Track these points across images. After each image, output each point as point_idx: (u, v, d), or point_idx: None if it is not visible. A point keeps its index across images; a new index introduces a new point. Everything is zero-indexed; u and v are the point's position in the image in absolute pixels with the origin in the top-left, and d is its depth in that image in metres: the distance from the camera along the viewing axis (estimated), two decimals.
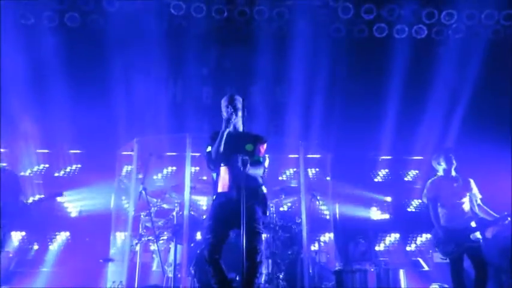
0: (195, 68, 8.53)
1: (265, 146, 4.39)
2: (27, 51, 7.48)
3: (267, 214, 4.44)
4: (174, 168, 8.11)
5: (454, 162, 5.46)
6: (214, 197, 4.32)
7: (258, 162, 4.25)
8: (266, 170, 4.50)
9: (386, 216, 8.50)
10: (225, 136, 4.18)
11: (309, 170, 8.10)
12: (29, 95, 7.57)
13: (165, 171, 8.14)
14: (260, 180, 4.33)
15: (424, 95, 8.20)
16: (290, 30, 8.14)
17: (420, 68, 8.18)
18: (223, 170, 4.25)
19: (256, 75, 8.37)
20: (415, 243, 8.30)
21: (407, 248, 8.22)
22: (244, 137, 4.29)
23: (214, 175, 4.38)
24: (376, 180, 8.82)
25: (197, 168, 7.82)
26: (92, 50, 7.91)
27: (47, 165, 8.36)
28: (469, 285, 5.15)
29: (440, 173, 5.55)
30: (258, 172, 4.26)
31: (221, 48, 8.71)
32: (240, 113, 4.33)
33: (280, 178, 8.38)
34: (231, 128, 4.29)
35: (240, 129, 4.37)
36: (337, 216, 7.20)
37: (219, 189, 4.27)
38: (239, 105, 4.32)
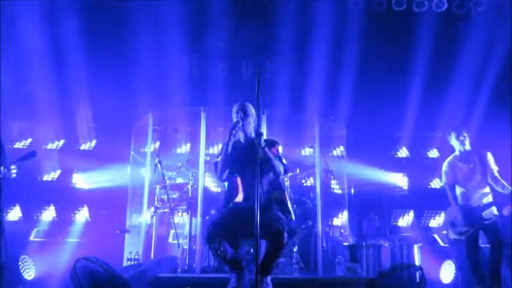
0: (212, 42, 8.45)
1: (279, 148, 4.29)
2: (43, 25, 7.45)
3: (292, 218, 4.24)
4: (189, 143, 8.09)
5: (466, 140, 5.34)
6: (228, 204, 4.16)
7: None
8: (288, 172, 4.37)
9: (402, 192, 8.41)
10: (230, 146, 4.07)
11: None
12: (45, 69, 7.59)
13: (181, 144, 8.13)
14: (280, 183, 4.21)
15: (444, 71, 8.00)
16: (307, 5, 7.97)
17: (440, 43, 7.97)
18: (236, 180, 4.14)
19: (273, 50, 8.26)
20: (431, 219, 8.23)
21: (423, 224, 8.16)
22: (253, 144, 4.01)
23: (226, 184, 4.28)
24: (396, 156, 8.70)
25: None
26: (109, 23, 7.88)
27: (63, 141, 8.41)
28: (484, 263, 5.11)
29: (456, 152, 5.45)
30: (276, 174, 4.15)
31: (238, 23, 8.58)
32: (251, 119, 4.21)
33: (301, 152, 8.25)
34: (241, 137, 4.22)
35: (252, 135, 4.19)
36: (352, 191, 7.16)
37: (232, 199, 4.14)
38: (250, 111, 4.21)
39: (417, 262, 6.16)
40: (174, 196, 6.40)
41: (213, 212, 5.90)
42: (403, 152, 8.77)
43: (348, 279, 5.18)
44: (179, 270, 5.59)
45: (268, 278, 3.93)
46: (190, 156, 7.03)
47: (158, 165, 6.07)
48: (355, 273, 5.73)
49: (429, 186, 8.48)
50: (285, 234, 3.88)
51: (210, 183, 7.02)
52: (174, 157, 7.18)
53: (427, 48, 7.88)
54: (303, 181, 7.51)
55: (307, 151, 7.96)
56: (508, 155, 5.67)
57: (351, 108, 8.00)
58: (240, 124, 4.14)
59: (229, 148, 4.10)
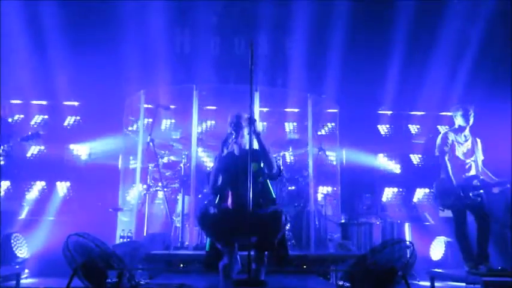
0: (203, 17, 8.35)
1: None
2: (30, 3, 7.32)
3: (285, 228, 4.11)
4: (175, 120, 8.08)
5: (471, 121, 5.38)
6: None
7: (270, 177, 4.15)
8: (282, 172, 4.33)
9: (393, 170, 8.49)
10: (222, 158, 4.06)
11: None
12: (31, 45, 7.48)
13: (172, 122, 8.12)
14: (273, 194, 4.17)
15: (429, 49, 8.05)
16: None
17: (425, 21, 7.98)
18: (227, 192, 4.08)
19: (264, 26, 8.19)
20: (420, 197, 8.34)
21: (413, 202, 8.26)
22: (247, 156, 3.82)
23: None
24: (385, 134, 8.81)
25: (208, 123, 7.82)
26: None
27: (47, 116, 8.34)
28: (473, 240, 5.19)
29: (456, 126, 5.48)
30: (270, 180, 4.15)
31: None
32: (244, 131, 4.15)
33: (287, 130, 8.35)
34: (236, 149, 4.19)
35: (247, 146, 4.06)
36: (344, 168, 7.21)
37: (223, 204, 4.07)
38: (244, 123, 4.17)
39: (408, 239, 6.24)
40: (167, 174, 6.42)
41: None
42: (390, 130, 8.86)
43: (339, 256, 5.24)
44: (172, 247, 5.62)
45: (264, 254, 3.95)
46: (182, 134, 7.00)
47: (150, 143, 6.05)
48: (347, 250, 5.80)
49: (419, 165, 8.57)
50: (283, 216, 3.87)
51: (202, 161, 7.03)
52: (167, 135, 7.16)
53: (413, 27, 7.91)
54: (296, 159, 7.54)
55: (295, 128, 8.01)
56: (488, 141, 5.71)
57: (342, 87, 8.01)
58: (233, 136, 4.13)
59: (221, 160, 4.09)
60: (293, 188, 6.23)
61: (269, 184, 4.15)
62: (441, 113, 8.51)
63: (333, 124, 7.66)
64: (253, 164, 3.86)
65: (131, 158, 6.75)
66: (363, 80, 8.15)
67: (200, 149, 6.56)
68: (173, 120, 8.08)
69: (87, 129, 8.01)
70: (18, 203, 7.29)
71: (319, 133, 7.53)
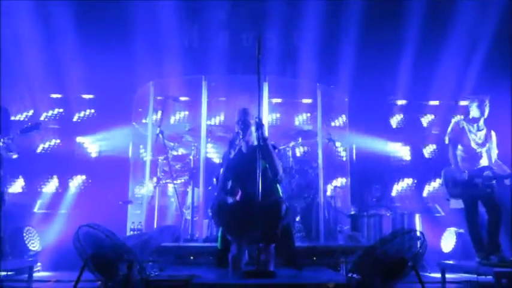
0: (212, 12, 8.35)
1: (276, 151, 4.27)
2: None
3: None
4: (187, 112, 8.11)
5: (486, 112, 5.31)
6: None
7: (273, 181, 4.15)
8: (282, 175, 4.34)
9: (404, 161, 8.44)
10: (232, 160, 4.06)
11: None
12: (42, 38, 7.53)
13: (182, 114, 8.15)
14: (280, 192, 4.20)
15: (442, 38, 7.93)
16: None
17: (439, 10, 7.85)
18: (237, 189, 4.10)
19: (273, 19, 8.15)
20: (431, 189, 8.28)
21: (424, 194, 8.22)
22: (255, 153, 3.88)
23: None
24: (393, 125, 8.73)
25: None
26: None
27: (61, 110, 8.40)
28: (484, 230, 5.15)
29: (470, 116, 5.42)
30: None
31: None
32: (252, 129, 4.17)
33: (296, 123, 8.33)
34: (243, 146, 4.19)
35: (255, 143, 4.10)
36: (354, 159, 7.19)
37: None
38: (251, 120, 4.18)
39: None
40: (177, 167, 6.45)
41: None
42: (402, 121, 8.78)
43: (349, 247, 5.24)
44: (182, 239, 5.67)
45: (272, 246, 3.97)
46: (192, 126, 7.03)
47: (160, 135, 6.08)
48: (357, 242, 5.80)
49: (430, 156, 8.51)
50: (283, 206, 3.89)
51: (212, 153, 7.05)
52: (176, 127, 7.19)
53: (426, 16, 7.79)
54: (305, 150, 7.52)
55: (306, 119, 7.97)
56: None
57: (352, 77, 7.95)
58: (241, 136, 4.11)
59: (232, 160, 4.10)
60: (303, 179, 6.20)
61: (276, 161, 4.15)
62: (457, 102, 8.37)
63: (344, 116, 7.62)
64: (262, 161, 3.90)
65: (142, 150, 6.78)
66: (374, 69, 8.08)
67: (209, 145, 6.56)
68: (187, 113, 8.11)
69: (98, 123, 8.09)
70: (31, 197, 7.37)
71: (332, 124, 7.49)
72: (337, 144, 6.98)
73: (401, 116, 8.78)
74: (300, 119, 8.43)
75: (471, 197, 5.14)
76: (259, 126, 3.86)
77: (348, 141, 7.16)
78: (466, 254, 5.75)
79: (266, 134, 4.08)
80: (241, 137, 4.16)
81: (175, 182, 6.25)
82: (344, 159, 7.23)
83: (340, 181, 7.34)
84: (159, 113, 6.49)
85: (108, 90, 7.92)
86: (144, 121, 6.85)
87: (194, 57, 8.36)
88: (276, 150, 4.25)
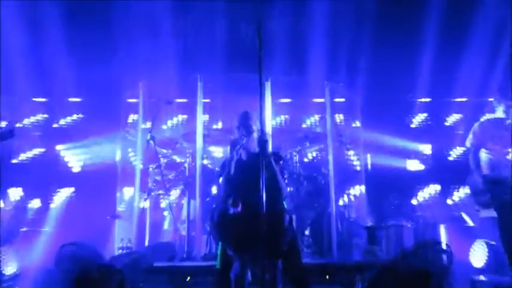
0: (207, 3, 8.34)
1: (281, 163, 4.25)
2: None
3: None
4: (185, 116, 8.08)
5: None
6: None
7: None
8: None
9: (424, 166, 8.38)
10: (232, 167, 4.03)
11: (336, 115, 8.00)
12: (26, 39, 7.52)
13: (175, 119, 8.12)
14: (284, 204, 4.17)
15: (467, 28, 7.85)
16: None
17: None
18: (238, 201, 4.04)
19: (276, 8, 8.12)
20: (457, 195, 8.20)
21: (449, 202, 8.13)
22: (257, 161, 3.74)
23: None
24: (412, 126, 8.64)
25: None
26: None
27: (45, 116, 8.39)
28: None
29: (495, 115, 5.35)
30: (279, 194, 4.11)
31: None
32: (254, 135, 4.14)
33: (303, 125, 8.32)
34: (243, 154, 4.15)
35: (257, 150, 4.02)
36: (369, 166, 7.14)
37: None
38: (253, 127, 4.15)
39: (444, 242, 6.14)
40: (170, 176, 6.41)
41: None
42: (422, 121, 8.71)
43: (366, 263, 5.17)
44: (178, 258, 5.61)
45: (279, 263, 3.91)
46: (186, 130, 7.00)
47: (151, 141, 6.04)
48: (375, 256, 5.72)
49: (453, 158, 8.43)
50: (286, 216, 3.87)
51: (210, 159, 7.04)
52: (169, 132, 7.17)
53: (449, 5, 7.73)
54: (313, 155, 7.49)
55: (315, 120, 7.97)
56: None
57: (364, 73, 7.89)
58: (244, 141, 4.07)
59: (232, 169, 4.05)
60: (312, 187, 6.16)
61: (281, 181, 4.11)
62: (484, 99, 8.26)
63: (357, 117, 7.62)
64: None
65: (133, 159, 6.76)
66: (390, 63, 7.99)
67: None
68: (181, 116, 8.12)
69: (83, 130, 8.04)
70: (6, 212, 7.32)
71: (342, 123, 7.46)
72: (350, 151, 6.93)
73: (423, 115, 8.68)
74: (308, 122, 8.42)
75: (503, 204, 5.05)
76: (263, 142, 3.78)
77: (362, 144, 7.07)
78: (499, 268, 5.65)
79: (269, 147, 4.00)
80: (245, 141, 4.10)
81: (168, 193, 6.20)
82: (358, 164, 7.16)
83: (354, 189, 7.25)
84: (150, 117, 6.50)
85: (97, 94, 7.89)
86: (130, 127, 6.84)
87: (188, 55, 8.31)
88: (281, 162, 4.20)
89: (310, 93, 7.75)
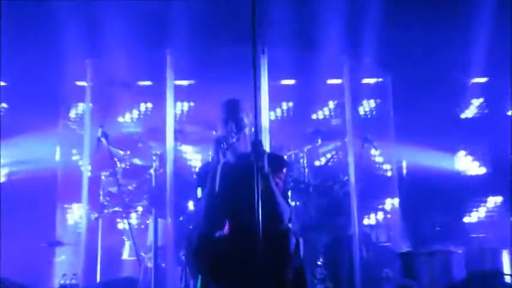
0: None
1: (285, 171, 4.19)
2: None
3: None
4: (150, 104, 8.16)
5: None
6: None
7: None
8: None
9: (482, 170, 8.42)
10: (218, 175, 3.97)
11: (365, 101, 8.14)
12: None
13: (135, 110, 8.19)
14: (285, 222, 4.10)
15: None
16: None
17: None
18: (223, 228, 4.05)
19: None
20: None
21: None
22: (251, 166, 3.69)
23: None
24: (463, 116, 8.68)
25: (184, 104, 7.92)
26: None
27: None
28: None
29: None
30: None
31: None
32: (247, 131, 4.13)
33: (314, 116, 8.38)
34: (228, 155, 4.08)
35: (247, 149, 4.04)
36: (404, 171, 7.15)
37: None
38: (246, 120, 4.13)
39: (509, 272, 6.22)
40: (130, 187, 6.43)
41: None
42: (477, 108, 8.76)
43: None
44: None
45: None
46: (152, 124, 7.00)
47: (103, 139, 6.05)
48: None
49: None
50: (292, 238, 3.85)
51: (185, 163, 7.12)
52: (127, 127, 7.19)
53: None
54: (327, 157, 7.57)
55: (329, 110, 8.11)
56: None
57: (396, 45, 7.94)
58: (234, 140, 4.04)
59: (216, 177, 3.97)
60: (325, 200, 6.19)
61: (281, 204, 4.02)
62: None
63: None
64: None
65: (80, 162, 6.77)
66: (431, 33, 8.05)
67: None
68: (150, 105, 8.21)
69: (8, 125, 8.03)
70: None
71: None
72: (378, 151, 6.99)
73: (478, 101, 8.74)
74: (319, 113, 8.50)
75: None
76: (259, 153, 3.75)
77: (394, 142, 7.13)
78: None
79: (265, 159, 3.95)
80: (235, 139, 4.07)
81: (128, 210, 6.26)
82: (388, 169, 7.19)
83: (384, 202, 7.30)
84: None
85: (27, 74, 7.90)
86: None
87: (154, 22, 8.34)
88: (284, 170, 4.19)
89: (322, 73, 7.82)
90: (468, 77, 8.64)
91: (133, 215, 6.44)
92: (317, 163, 7.38)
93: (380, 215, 7.25)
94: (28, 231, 6.80)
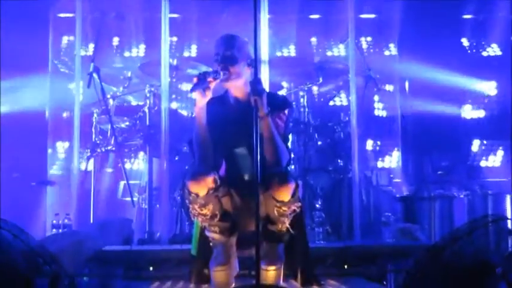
0: None
1: (287, 113, 4.12)
2: None
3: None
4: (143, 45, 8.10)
5: None
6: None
7: None
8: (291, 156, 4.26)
9: (485, 113, 8.42)
10: (204, 115, 3.88)
11: (362, 38, 8.03)
12: None
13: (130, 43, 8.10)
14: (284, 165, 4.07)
15: None
16: None
17: None
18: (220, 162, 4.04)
19: None
20: None
21: None
22: (248, 107, 3.71)
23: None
24: (485, 54, 8.55)
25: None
26: None
27: None
28: None
29: None
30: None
31: None
32: (242, 68, 3.99)
33: (317, 58, 8.24)
34: (230, 95, 4.09)
35: (243, 95, 4.03)
36: (408, 109, 7.20)
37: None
38: (242, 50, 3.99)
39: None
40: (123, 126, 6.46)
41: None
42: (491, 48, 8.63)
43: (401, 248, 5.28)
44: (136, 240, 5.69)
45: (280, 248, 4.00)
46: (146, 59, 7.04)
47: (94, 75, 6.05)
48: (413, 239, 5.83)
49: None
50: (292, 181, 3.84)
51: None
52: (121, 62, 7.16)
53: None
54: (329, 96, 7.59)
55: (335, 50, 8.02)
56: None
57: None
58: (221, 76, 3.96)
59: (202, 117, 3.91)
60: (326, 141, 6.23)
61: (280, 148, 4.01)
62: None
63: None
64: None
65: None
66: None
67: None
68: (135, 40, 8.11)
69: None
70: None
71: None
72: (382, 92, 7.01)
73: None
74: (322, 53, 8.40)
75: None
76: (257, 92, 3.76)
77: (398, 82, 7.11)
78: None
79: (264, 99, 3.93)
80: (221, 77, 4.01)
81: (121, 149, 6.29)
82: (389, 113, 7.22)
83: (386, 145, 7.38)
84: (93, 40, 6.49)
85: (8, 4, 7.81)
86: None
87: None
88: (286, 111, 4.13)
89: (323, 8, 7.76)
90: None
91: (126, 155, 6.41)
92: (317, 101, 7.39)
93: (381, 158, 7.27)
94: (19, 171, 6.83)
